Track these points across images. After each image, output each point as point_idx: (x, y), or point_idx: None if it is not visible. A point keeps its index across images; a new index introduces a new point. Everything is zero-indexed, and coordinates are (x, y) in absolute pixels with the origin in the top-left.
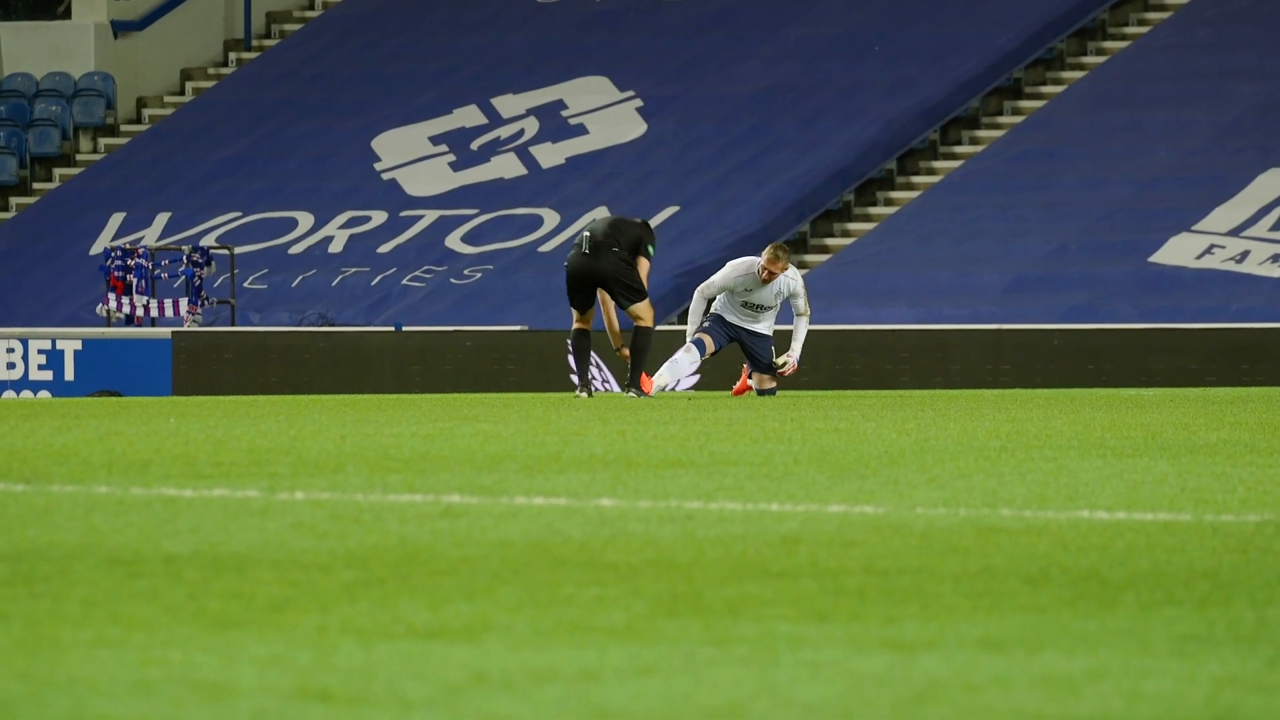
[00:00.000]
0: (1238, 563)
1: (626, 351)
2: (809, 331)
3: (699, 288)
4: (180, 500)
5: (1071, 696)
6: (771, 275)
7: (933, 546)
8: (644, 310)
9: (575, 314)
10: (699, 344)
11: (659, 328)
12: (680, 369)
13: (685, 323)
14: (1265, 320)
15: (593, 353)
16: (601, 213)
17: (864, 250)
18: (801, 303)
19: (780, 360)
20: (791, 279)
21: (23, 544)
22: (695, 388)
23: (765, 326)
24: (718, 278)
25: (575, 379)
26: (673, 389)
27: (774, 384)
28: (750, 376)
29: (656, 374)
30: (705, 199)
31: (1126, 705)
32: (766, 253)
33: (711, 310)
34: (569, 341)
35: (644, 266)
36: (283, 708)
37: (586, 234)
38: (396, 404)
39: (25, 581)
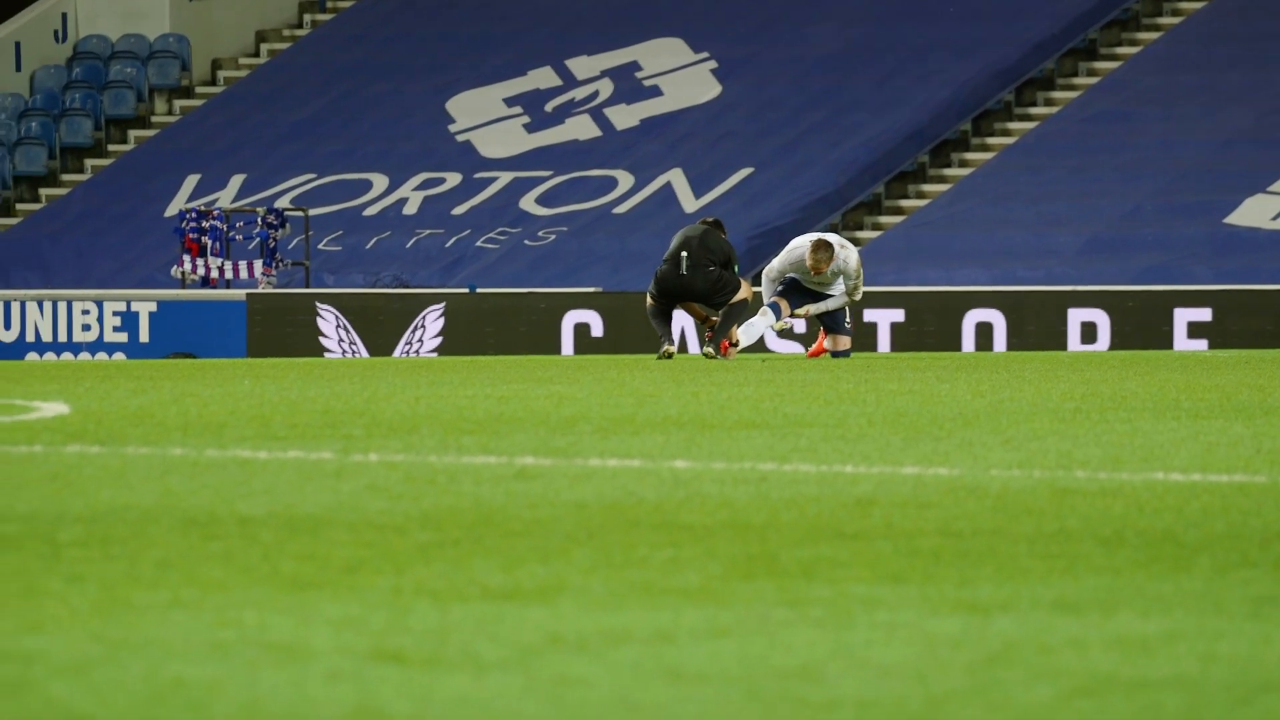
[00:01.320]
0: None
1: (715, 318)
2: (847, 306)
3: (764, 271)
4: (255, 462)
5: (1146, 658)
6: (819, 272)
7: (1007, 508)
8: (744, 293)
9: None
10: (774, 307)
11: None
12: (756, 331)
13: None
14: None
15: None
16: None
17: (938, 212)
18: (852, 284)
19: (801, 310)
20: (843, 261)
21: (98, 506)
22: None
23: (837, 289)
24: (777, 262)
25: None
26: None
27: (849, 345)
28: (825, 338)
29: (735, 334)
30: (779, 161)
31: (1201, 667)
32: (809, 255)
33: (787, 278)
34: (649, 306)
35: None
36: (357, 669)
37: (684, 254)
38: (471, 365)
39: (100, 543)
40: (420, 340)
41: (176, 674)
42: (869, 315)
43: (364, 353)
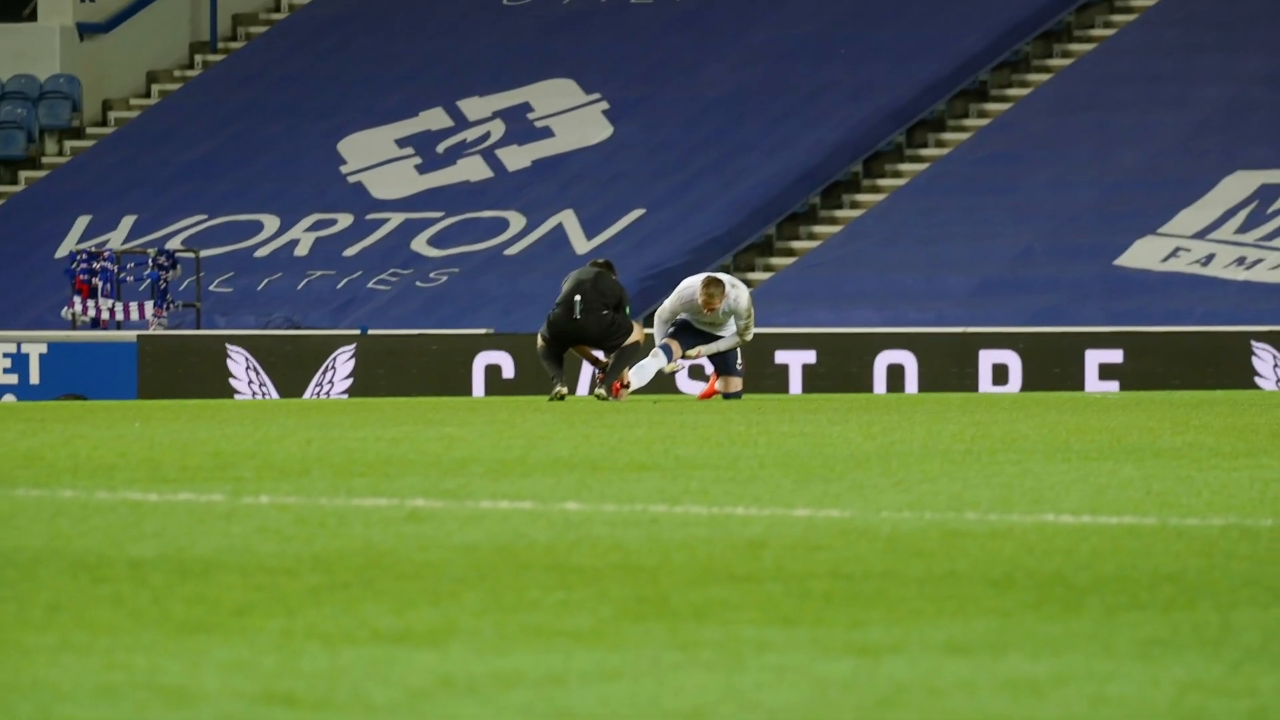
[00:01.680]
0: (1202, 566)
1: (605, 360)
2: (738, 347)
3: (657, 313)
4: (145, 504)
5: (1036, 700)
6: (712, 309)
7: (898, 550)
8: (636, 336)
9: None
10: (666, 349)
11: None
12: (648, 373)
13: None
14: (1230, 323)
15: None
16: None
17: (830, 253)
18: (743, 324)
19: (693, 351)
20: (734, 299)
21: None
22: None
23: (728, 331)
24: (668, 303)
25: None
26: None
27: (740, 387)
28: (717, 380)
29: (626, 376)
30: (671, 202)
31: (1091, 709)
32: (701, 292)
33: (678, 320)
34: (540, 348)
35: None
36: (247, 712)
37: (577, 299)
38: (362, 407)
39: None
40: (331, 382)
41: (66, 717)
42: (780, 357)
43: (274, 394)
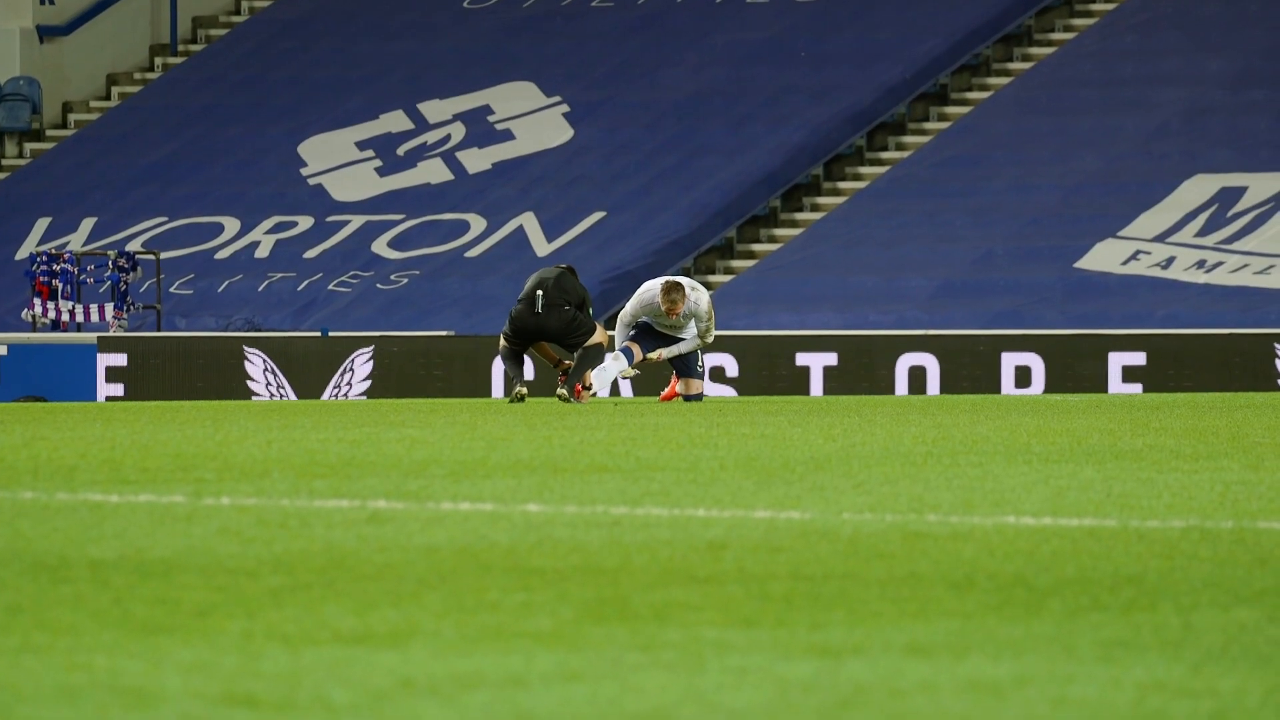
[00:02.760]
0: (1163, 568)
1: (568, 362)
2: (701, 350)
3: (619, 316)
4: (106, 506)
5: (997, 702)
6: (674, 314)
7: (859, 552)
8: (598, 337)
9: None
10: (627, 352)
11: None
12: (608, 376)
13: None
14: (1190, 326)
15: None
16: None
17: (790, 256)
18: (704, 327)
19: (654, 354)
20: (694, 303)
21: None
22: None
23: (689, 334)
24: (630, 306)
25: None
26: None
27: (701, 390)
28: (678, 382)
29: (588, 378)
30: (632, 204)
31: (1052, 711)
32: (662, 297)
33: (639, 323)
34: (502, 348)
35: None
36: (208, 713)
37: (539, 293)
38: (322, 409)
39: None
40: (349, 384)
41: (27, 717)
42: (801, 359)
43: (292, 396)
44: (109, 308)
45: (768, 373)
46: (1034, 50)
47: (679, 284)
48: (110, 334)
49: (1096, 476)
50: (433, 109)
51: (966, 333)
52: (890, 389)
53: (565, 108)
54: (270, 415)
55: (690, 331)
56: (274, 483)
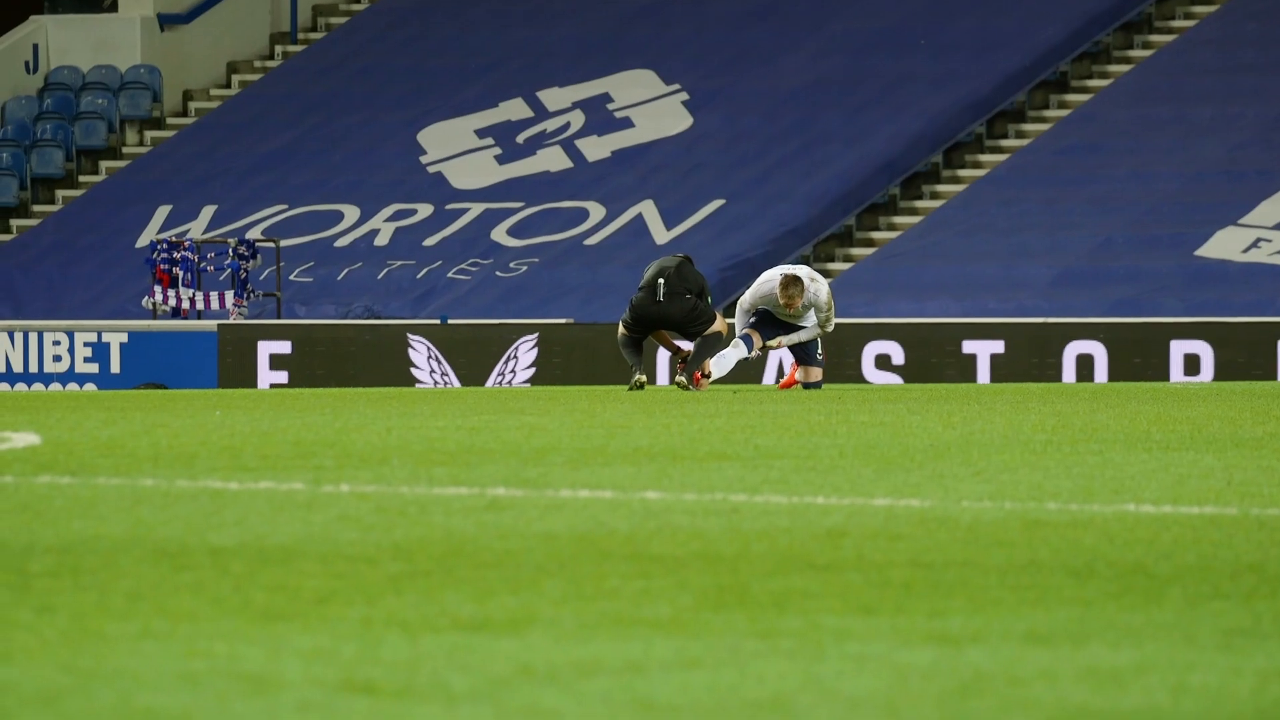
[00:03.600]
0: None
1: (687, 350)
2: (820, 338)
3: (738, 304)
4: (226, 493)
5: (1117, 690)
6: (792, 308)
7: (978, 540)
8: (718, 325)
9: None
10: (747, 340)
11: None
12: (728, 363)
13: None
14: None
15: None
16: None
17: (909, 244)
18: (823, 316)
19: (774, 340)
20: (813, 294)
21: (69, 536)
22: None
23: (809, 321)
24: (748, 295)
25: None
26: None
27: (820, 377)
28: (797, 370)
29: (707, 366)
30: (751, 193)
31: (1172, 699)
32: (780, 292)
33: (759, 310)
34: (621, 336)
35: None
36: (327, 700)
37: (661, 281)
38: (442, 397)
39: (71, 574)
40: (513, 371)
41: (147, 705)
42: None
43: (455, 383)
44: (229, 295)
45: (937, 360)
46: (1154, 38)
47: (797, 278)
48: (230, 322)
49: (1217, 464)
50: (552, 97)
51: (1136, 320)
52: (1058, 376)
53: (684, 95)
54: (388, 403)
55: (810, 320)
56: (393, 470)
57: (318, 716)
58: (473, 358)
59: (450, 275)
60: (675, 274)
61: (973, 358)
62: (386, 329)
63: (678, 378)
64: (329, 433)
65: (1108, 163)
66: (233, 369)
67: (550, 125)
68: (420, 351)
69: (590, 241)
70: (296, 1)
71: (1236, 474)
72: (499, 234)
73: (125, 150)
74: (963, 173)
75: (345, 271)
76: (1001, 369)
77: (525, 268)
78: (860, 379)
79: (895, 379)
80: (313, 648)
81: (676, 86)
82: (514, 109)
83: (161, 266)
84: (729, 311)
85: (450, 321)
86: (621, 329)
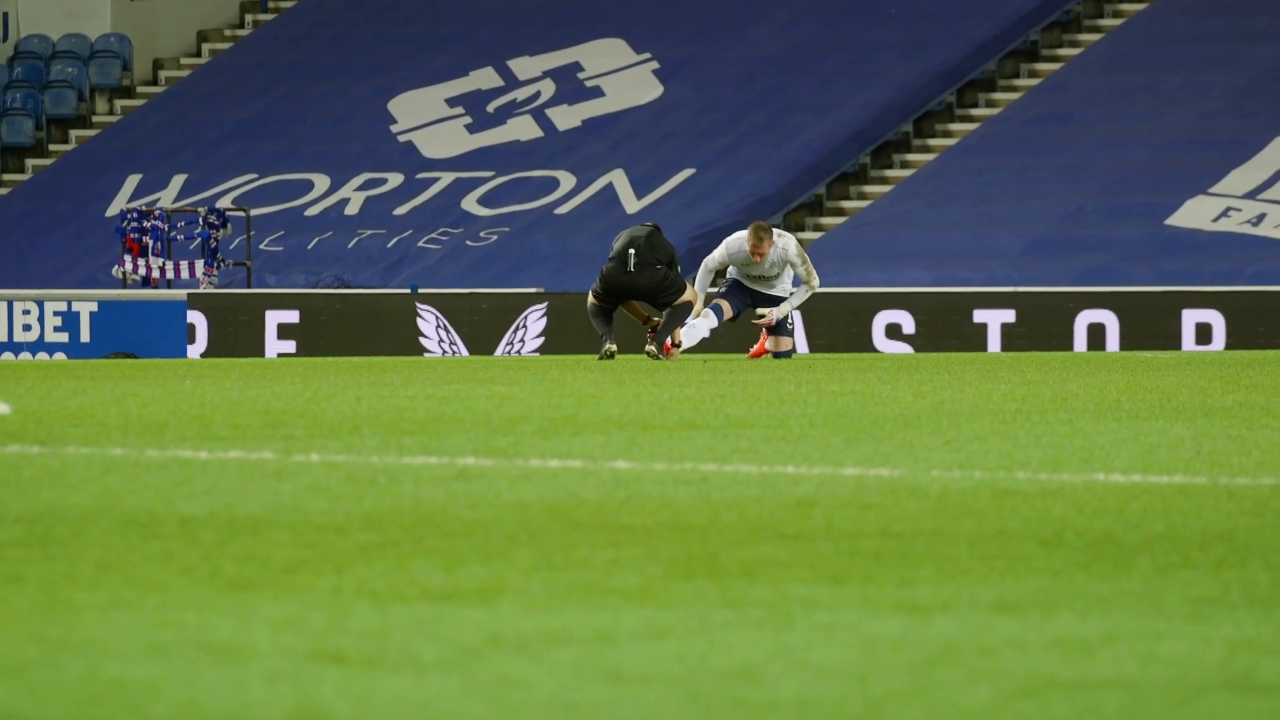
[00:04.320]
0: (1253, 526)
1: (656, 319)
2: (812, 296)
3: (704, 261)
4: (195, 462)
5: (1086, 659)
6: (761, 255)
7: (948, 509)
8: (688, 295)
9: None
10: (716, 309)
11: None
12: (698, 333)
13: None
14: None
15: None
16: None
17: (880, 213)
18: (803, 271)
19: (761, 311)
20: (783, 249)
21: (38, 506)
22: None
23: (782, 289)
24: (717, 253)
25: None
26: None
27: (790, 346)
28: (767, 339)
29: (678, 335)
30: (721, 162)
31: (1141, 668)
32: (749, 235)
33: (728, 275)
34: (591, 306)
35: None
36: (297, 669)
37: (631, 251)
38: (412, 366)
39: (40, 543)
40: (522, 340)
41: (116, 674)
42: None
43: (464, 352)
44: (199, 264)
45: (953, 329)
46: (1125, 6)
47: (766, 224)
48: (200, 291)
49: (1186, 434)
50: (522, 66)
51: (1146, 290)
52: (1069, 346)
53: (655, 65)
54: (359, 372)
55: (785, 284)
56: (363, 439)
57: (287, 686)
58: (481, 328)
59: (420, 244)
60: (645, 244)
61: (984, 327)
62: (393, 298)
63: (647, 347)
64: (299, 402)
65: (1078, 131)
66: (202, 338)
67: (520, 94)
68: (429, 321)
69: (561, 211)
70: None
71: (1205, 443)
72: (469, 203)
73: (95, 119)
74: (933, 142)
75: (315, 240)
76: (1012, 339)
77: (496, 237)
78: (869, 347)
79: (906, 348)
80: (282, 617)
81: (647, 55)
82: (484, 78)
83: (131, 236)
84: None
85: (463, 291)
86: (591, 299)
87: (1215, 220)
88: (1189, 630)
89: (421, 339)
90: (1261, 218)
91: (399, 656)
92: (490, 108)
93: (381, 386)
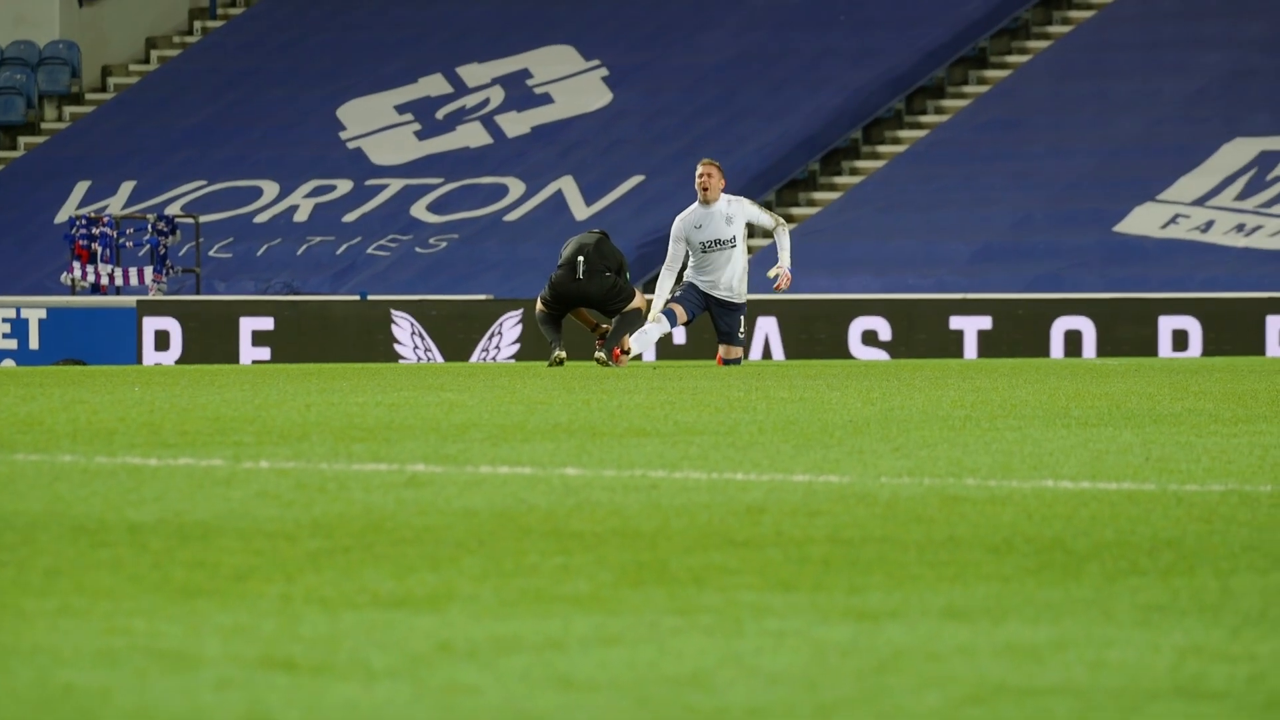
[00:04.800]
0: (1201, 532)
1: (605, 326)
2: (744, 276)
3: (662, 268)
4: (145, 469)
5: (1035, 666)
6: (708, 184)
7: (897, 516)
8: (637, 302)
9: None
10: (670, 314)
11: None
12: (649, 339)
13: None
14: (1229, 290)
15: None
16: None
17: (829, 220)
18: (766, 218)
19: (772, 273)
20: (734, 201)
21: None
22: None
23: (736, 294)
24: (671, 249)
25: (430, 348)
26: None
27: (740, 355)
28: (720, 348)
29: (627, 342)
30: (671, 168)
31: (1090, 675)
32: (699, 170)
33: (684, 280)
34: (539, 313)
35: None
36: (247, 676)
37: (580, 259)
38: (361, 373)
39: None
40: (498, 347)
41: (66, 681)
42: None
43: (439, 359)
44: (148, 271)
45: (925, 336)
46: (1073, 13)
47: (713, 160)
48: (259, 298)
49: (1135, 440)
50: (471, 73)
51: (1134, 296)
52: (1047, 352)
53: (604, 71)
54: (308, 379)
55: (739, 268)
56: (313, 446)
57: (237, 693)
58: (457, 334)
59: (370, 251)
60: (595, 251)
61: (960, 334)
62: (373, 305)
63: (597, 354)
64: (248, 409)
65: (1027, 138)
66: (151, 345)
67: (470, 101)
68: (404, 328)
69: (510, 218)
70: None
71: (1154, 450)
72: (418, 210)
73: (44, 126)
74: (882, 149)
75: (265, 247)
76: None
77: (445, 244)
78: (843, 355)
79: (882, 354)
80: (232, 624)
81: (596, 62)
82: (433, 85)
83: (80, 242)
84: (649, 287)
85: (433, 298)
86: (540, 306)
87: (1164, 227)
88: (1138, 637)
89: (396, 345)
90: (1210, 224)
91: (349, 663)
92: (439, 114)
93: (331, 393)
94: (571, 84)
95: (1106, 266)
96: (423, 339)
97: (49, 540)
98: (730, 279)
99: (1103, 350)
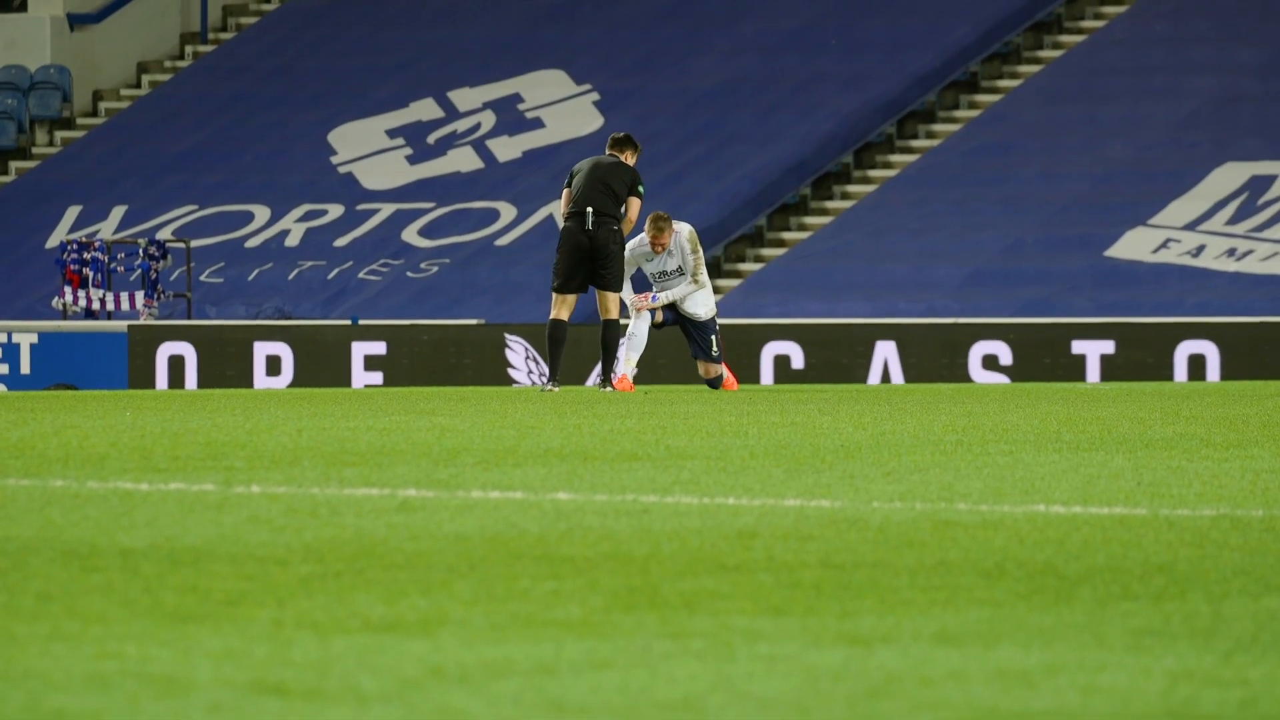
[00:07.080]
0: (1193, 557)
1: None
2: (699, 293)
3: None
4: (136, 494)
5: (1027, 691)
6: (662, 245)
7: (889, 541)
8: (615, 302)
9: (556, 299)
10: (648, 311)
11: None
12: (639, 343)
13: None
14: (1220, 314)
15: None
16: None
17: (820, 244)
18: (691, 260)
19: (644, 297)
20: (679, 235)
21: None
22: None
23: (704, 309)
24: (625, 264)
25: (545, 372)
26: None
27: (719, 373)
28: (699, 368)
29: (623, 361)
30: (662, 193)
31: (1082, 699)
32: (649, 226)
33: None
34: (550, 324)
35: (635, 206)
36: (238, 701)
37: (589, 209)
38: (353, 398)
39: None
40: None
41: (57, 706)
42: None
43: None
44: (139, 296)
45: (947, 361)
46: (1064, 38)
47: (664, 214)
48: (140, 322)
49: (1126, 465)
50: (463, 97)
51: (1140, 321)
52: (1069, 376)
53: (595, 96)
54: (300, 403)
55: (705, 301)
56: (304, 471)
57: (228, 718)
58: (447, 359)
59: (361, 276)
60: (600, 195)
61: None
62: (483, 330)
63: (603, 389)
64: (240, 434)
65: (1018, 163)
66: (143, 370)
67: (461, 125)
68: (518, 352)
69: (501, 242)
70: (207, 1)
71: (1146, 474)
72: (410, 234)
73: (35, 150)
74: (873, 173)
75: (256, 272)
76: (914, 370)
77: (436, 268)
78: (787, 379)
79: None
80: (223, 649)
81: (587, 87)
82: (425, 109)
83: (72, 267)
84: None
85: (424, 323)
86: (554, 281)
87: (1155, 251)
88: (1130, 662)
89: (510, 370)
90: (1201, 249)
91: (340, 688)
92: (430, 139)
93: (322, 418)
94: (563, 108)
95: (1097, 291)
96: (538, 364)
97: (40, 565)
98: (700, 311)
99: (1109, 375)
